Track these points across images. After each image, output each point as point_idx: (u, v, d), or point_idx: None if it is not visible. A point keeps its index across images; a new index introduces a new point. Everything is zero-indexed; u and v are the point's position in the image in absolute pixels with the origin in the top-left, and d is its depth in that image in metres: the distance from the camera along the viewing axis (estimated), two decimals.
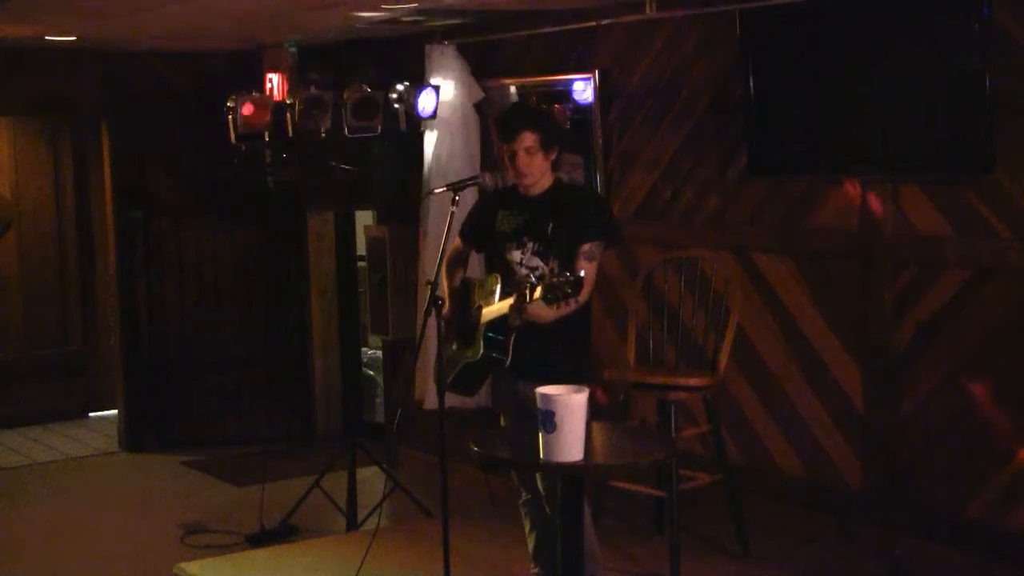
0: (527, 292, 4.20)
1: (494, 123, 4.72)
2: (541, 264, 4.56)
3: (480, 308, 4.58)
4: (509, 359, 4.50)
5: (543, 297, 4.12)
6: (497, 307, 4.47)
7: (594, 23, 6.06)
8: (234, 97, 6.74)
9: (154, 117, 8.24)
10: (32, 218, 9.24)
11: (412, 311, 7.08)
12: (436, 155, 6.80)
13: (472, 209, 4.92)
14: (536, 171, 4.59)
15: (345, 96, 6.76)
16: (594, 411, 3.98)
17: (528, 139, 4.54)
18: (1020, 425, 4.90)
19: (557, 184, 4.69)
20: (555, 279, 4.09)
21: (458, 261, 4.90)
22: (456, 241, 4.90)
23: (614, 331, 6.21)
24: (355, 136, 6.83)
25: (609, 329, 6.25)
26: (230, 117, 6.73)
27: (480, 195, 5.27)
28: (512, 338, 4.47)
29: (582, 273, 4.11)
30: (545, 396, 3.76)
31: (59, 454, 8.42)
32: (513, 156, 4.56)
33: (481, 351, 4.52)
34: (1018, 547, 4.92)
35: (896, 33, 5.03)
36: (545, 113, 4.84)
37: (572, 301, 4.14)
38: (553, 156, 4.62)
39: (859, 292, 5.40)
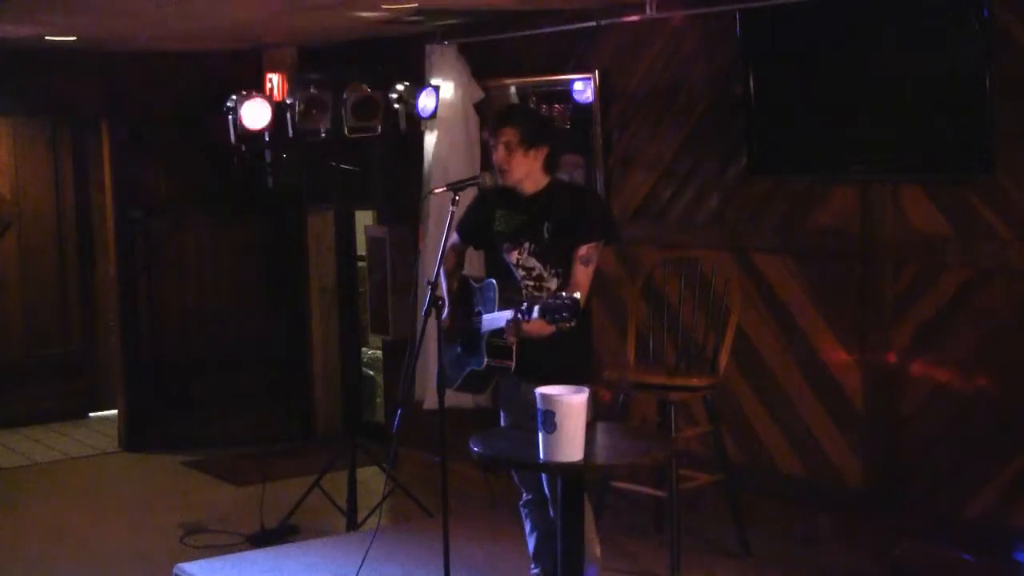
0: (524, 313, 4.20)
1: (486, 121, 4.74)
2: (538, 265, 4.55)
3: (480, 314, 4.57)
4: (515, 365, 4.48)
5: (540, 318, 4.14)
6: (496, 316, 4.45)
7: (594, 23, 6.06)
8: (234, 97, 6.73)
9: (154, 117, 8.23)
10: (32, 218, 9.22)
11: (412, 311, 7.08)
12: (436, 155, 6.79)
13: (470, 206, 4.89)
14: (516, 168, 4.56)
15: (345, 96, 6.75)
16: (595, 411, 3.98)
17: (507, 134, 4.54)
18: (1020, 425, 4.90)
19: (554, 184, 4.67)
20: (551, 301, 4.09)
21: (455, 259, 4.87)
22: (453, 237, 4.88)
23: (614, 331, 6.21)
24: (355, 136, 6.83)
25: (609, 329, 6.25)
26: (230, 117, 6.73)
27: (479, 193, 5.26)
28: (516, 347, 4.45)
29: (577, 295, 4.08)
30: (545, 396, 3.77)
31: (59, 454, 8.42)
32: (495, 150, 4.58)
33: (485, 361, 4.52)
34: (1018, 547, 4.91)
35: (896, 33, 5.03)
36: (530, 111, 4.83)
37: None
38: (538, 155, 4.57)
39: (859, 292, 5.40)
